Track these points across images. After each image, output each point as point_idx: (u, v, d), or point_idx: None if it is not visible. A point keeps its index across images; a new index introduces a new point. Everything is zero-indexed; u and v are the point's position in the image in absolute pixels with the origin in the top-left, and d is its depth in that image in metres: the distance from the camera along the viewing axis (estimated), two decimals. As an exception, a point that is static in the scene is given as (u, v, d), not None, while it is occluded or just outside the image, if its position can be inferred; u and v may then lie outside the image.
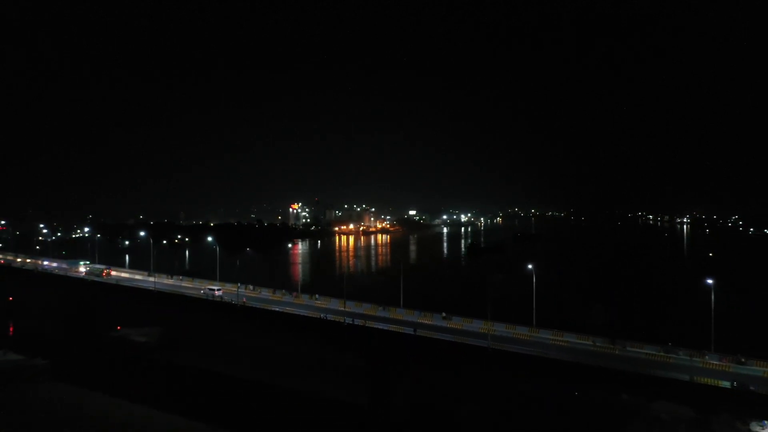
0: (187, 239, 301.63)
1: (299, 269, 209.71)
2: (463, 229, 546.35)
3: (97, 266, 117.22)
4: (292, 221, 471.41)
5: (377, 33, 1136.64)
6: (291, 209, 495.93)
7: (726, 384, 49.35)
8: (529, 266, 76.22)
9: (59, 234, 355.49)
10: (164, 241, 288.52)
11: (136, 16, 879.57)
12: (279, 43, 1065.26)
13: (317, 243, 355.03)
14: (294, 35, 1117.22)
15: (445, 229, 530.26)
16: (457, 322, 69.13)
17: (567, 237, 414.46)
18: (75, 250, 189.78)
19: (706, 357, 53.47)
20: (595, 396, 62.42)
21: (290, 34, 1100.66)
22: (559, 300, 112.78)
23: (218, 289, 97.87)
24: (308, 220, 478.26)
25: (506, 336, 62.67)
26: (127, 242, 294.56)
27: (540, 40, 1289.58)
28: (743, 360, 51.69)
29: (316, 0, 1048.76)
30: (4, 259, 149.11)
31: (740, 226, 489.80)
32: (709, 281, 60.45)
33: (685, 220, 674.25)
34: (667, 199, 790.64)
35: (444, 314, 74.68)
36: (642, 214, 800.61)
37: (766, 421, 54.68)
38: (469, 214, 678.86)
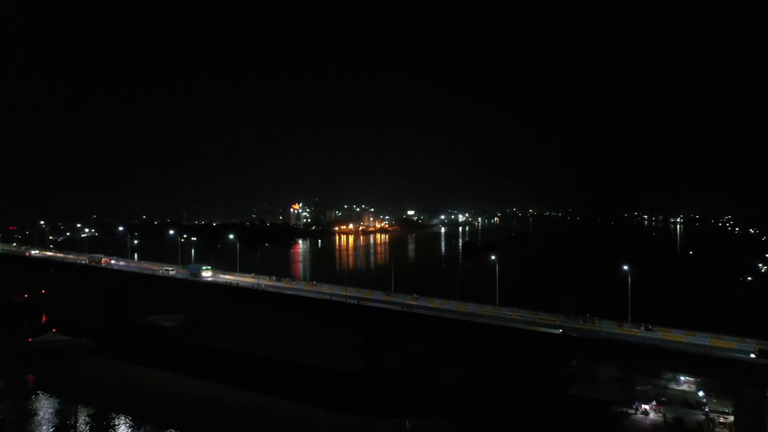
0: (193, 238, 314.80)
1: (306, 263, 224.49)
2: (460, 228, 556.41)
3: (203, 266, 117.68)
4: (293, 221, 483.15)
5: (377, 36, 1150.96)
6: (292, 209, 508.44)
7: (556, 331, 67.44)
8: (492, 257, 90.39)
9: (68, 234, 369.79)
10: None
11: (137, 22, 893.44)
12: (279, 46, 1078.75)
13: (318, 242, 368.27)
14: (294, 38, 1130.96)
15: (443, 229, 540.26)
16: (437, 303, 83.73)
17: (560, 236, 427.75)
18: (95, 248, 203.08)
19: (624, 325, 67.73)
20: (550, 363, 76.93)
21: (290, 36, 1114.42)
22: (529, 286, 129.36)
23: (172, 270, 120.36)
24: (309, 220, 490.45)
25: (475, 312, 77.34)
26: (136, 241, 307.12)
27: (537, 42, 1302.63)
28: (650, 327, 65.73)
29: (317, 3, 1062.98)
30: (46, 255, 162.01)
31: (729, 225, 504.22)
32: (625, 267, 75.07)
33: (678, 220, 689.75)
34: (664, 200, 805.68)
35: (415, 295, 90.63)
36: (638, 214, 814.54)
37: (682, 378, 69.08)
38: (467, 215, 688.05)
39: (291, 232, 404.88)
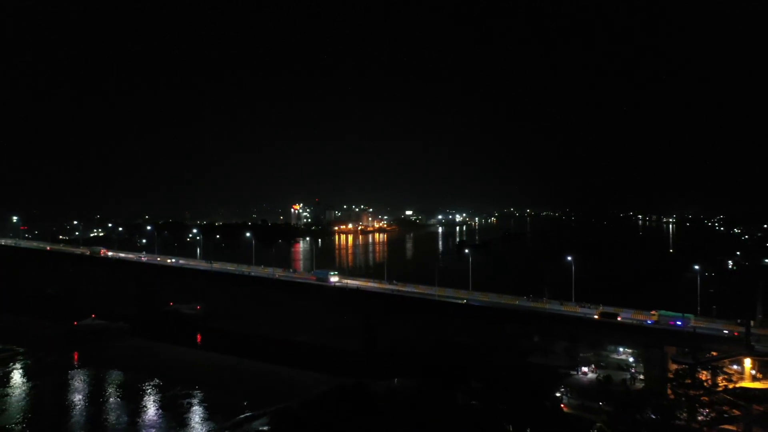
0: (198, 237, 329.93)
1: (311, 260, 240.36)
2: (457, 228, 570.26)
3: (331, 272, 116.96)
4: (294, 221, 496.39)
5: (377, 36, 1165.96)
6: (293, 209, 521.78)
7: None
8: (466, 251, 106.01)
9: (77, 233, 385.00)
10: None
11: (140, 22, 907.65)
12: (277, 46, 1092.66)
13: (318, 241, 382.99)
14: (294, 40, 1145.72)
15: (440, 229, 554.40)
16: (422, 288, 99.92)
17: (552, 235, 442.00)
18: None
19: (567, 304, 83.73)
20: (516, 339, 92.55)
21: (290, 38, 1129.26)
22: (510, 277, 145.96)
23: (144, 256, 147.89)
24: (309, 220, 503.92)
25: (452, 296, 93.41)
26: (144, 240, 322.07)
27: (536, 43, 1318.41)
28: (587, 305, 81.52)
29: (317, 5, 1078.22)
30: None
31: (717, 225, 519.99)
32: (569, 258, 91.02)
33: (671, 220, 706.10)
34: (660, 201, 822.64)
35: (394, 281, 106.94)
36: (633, 214, 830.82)
37: (621, 348, 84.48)
38: (464, 214, 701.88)
39: (292, 231, 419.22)
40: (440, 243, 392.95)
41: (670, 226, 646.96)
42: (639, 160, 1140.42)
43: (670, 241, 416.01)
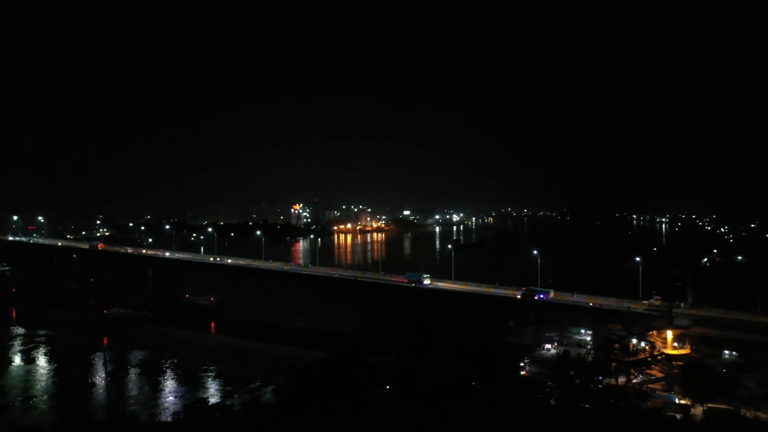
0: (201, 237, 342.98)
1: (313, 257, 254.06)
2: (454, 228, 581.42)
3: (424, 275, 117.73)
4: (294, 221, 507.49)
5: (375, 37, 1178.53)
6: (293, 209, 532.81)
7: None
8: (449, 246, 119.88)
9: (83, 233, 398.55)
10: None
11: (142, 28, 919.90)
12: (277, 49, 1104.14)
13: (318, 240, 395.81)
14: (293, 40, 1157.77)
15: (437, 229, 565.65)
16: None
17: (546, 235, 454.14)
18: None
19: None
20: (494, 324, 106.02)
21: (289, 39, 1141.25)
22: (495, 270, 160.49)
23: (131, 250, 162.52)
24: (309, 220, 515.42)
25: (440, 285, 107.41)
26: (150, 239, 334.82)
27: (533, 44, 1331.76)
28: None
29: (316, 7, 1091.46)
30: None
31: (706, 225, 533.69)
32: (535, 252, 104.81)
33: (664, 220, 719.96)
34: (654, 201, 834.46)
35: (382, 272, 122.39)
36: (627, 213, 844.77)
37: (583, 330, 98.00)
38: (461, 214, 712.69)
39: (293, 231, 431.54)
40: (437, 242, 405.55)
41: (663, 225, 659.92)
42: (635, 161, 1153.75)
43: (663, 240, 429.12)
